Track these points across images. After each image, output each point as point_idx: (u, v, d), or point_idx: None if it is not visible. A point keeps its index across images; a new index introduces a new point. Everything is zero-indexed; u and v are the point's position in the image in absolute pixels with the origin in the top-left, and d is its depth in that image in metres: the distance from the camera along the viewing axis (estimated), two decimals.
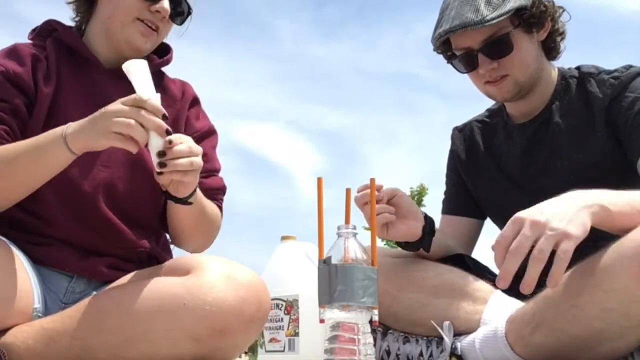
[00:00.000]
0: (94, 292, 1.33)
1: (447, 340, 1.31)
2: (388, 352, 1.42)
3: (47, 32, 1.45)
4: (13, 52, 1.37)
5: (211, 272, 1.15)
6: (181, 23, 1.49)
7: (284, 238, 2.06)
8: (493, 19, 1.41)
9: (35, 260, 1.31)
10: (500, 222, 1.71)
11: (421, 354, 1.35)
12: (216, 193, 1.52)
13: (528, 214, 1.06)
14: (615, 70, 1.50)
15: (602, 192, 1.12)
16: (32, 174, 1.22)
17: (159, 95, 1.19)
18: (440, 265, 1.46)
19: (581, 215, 1.05)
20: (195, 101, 1.57)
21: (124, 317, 1.13)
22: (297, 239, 2.10)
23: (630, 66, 1.49)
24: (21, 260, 1.25)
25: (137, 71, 1.22)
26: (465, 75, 1.57)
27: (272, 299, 1.78)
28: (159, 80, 1.51)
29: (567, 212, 1.05)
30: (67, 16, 1.50)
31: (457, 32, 1.45)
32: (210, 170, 1.51)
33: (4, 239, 1.27)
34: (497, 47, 1.47)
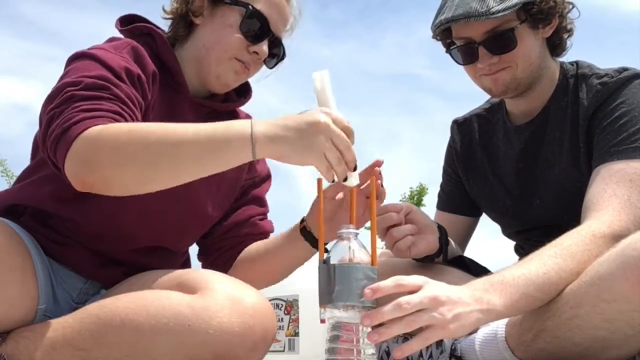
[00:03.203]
0: (104, 291, 1.34)
1: (447, 341, 1.31)
2: (388, 353, 1.42)
3: (140, 33, 1.37)
4: (138, 54, 1.29)
5: (218, 294, 1.12)
6: (273, 67, 1.44)
7: None
8: (499, 11, 1.35)
9: (53, 257, 1.30)
10: (495, 220, 1.71)
11: (421, 355, 1.35)
12: (268, 237, 1.52)
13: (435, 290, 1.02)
14: (606, 74, 1.43)
15: (501, 287, 1.07)
16: (199, 165, 1.11)
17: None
18: (440, 266, 1.46)
19: (470, 317, 1.02)
20: None
21: (127, 332, 1.12)
22: None
23: (624, 69, 1.43)
24: (32, 258, 1.24)
25: (326, 84, 1.13)
26: (465, 76, 1.53)
27: (272, 299, 1.78)
28: (233, 118, 1.44)
29: (464, 309, 1.01)
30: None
31: (461, 22, 1.39)
32: (264, 213, 1.54)
33: (19, 229, 1.26)
34: (500, 41, 1.40)
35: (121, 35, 1.38)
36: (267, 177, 1.57)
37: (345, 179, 1.11)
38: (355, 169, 1.11)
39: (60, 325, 1.17)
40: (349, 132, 1.09)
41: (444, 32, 1.48)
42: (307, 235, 1.35)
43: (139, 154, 1.08)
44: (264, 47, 1.35)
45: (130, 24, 1.40)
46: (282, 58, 1.44)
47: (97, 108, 1.12)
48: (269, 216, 1.57)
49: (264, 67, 1.43)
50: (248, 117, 1.53)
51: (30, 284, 1.22)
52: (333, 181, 1.10)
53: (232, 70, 1.36)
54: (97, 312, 1.16)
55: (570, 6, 1.49)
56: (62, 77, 1.22)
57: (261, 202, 1.54)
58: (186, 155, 1.09)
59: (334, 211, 1.31)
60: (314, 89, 1.13)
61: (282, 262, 1.43)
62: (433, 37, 1.52)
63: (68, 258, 1.31)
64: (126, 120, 1.14)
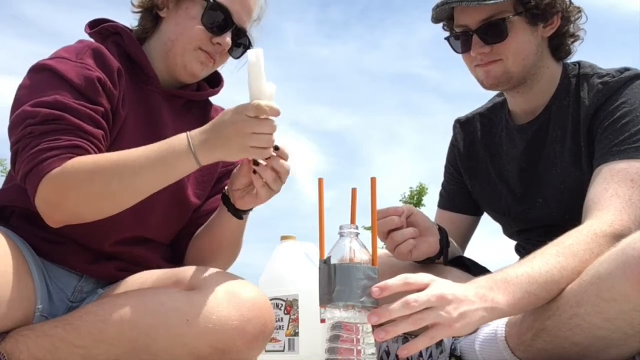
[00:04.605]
0: (101, 291, 1.34)
1: (447, 341, 1.31)
2: (388, 353, 1.42)
3: (108, 33, 1.42)
4: (99, 56, 1.33)
5: (217, 290, 1.15)
6: (238, 57, 1.48)
7: (284, 238, 2.06)
8: None
9: (45, 257, 1.31)
10: (496, 220, 1.71)
11: (421, 355, 1.35)
12: None
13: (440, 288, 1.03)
14: (608, 74, 1.43)
15: (505, 286, 1.07)
16: (155, 184, 1.22)
17: (274, 86, 1.21)
18: (440, 266, 1.46)
19: (475, 316, 1.02)
20: None
21: (127, 329, 1.13)
22: (297, 239, 2.10)
23: (626, 69, 1.43)
24: (26, 259, 1.25)
25: (257, 62, 1.20)
26: (466, 76, 1.54)
27: (272, 299, 1.78)
28: (206, 110, 1.53)
29: (469, 307, 1.02)
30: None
31: (454, 5, 1.42)
32: None
33: (9, 232, 1.27)
34: (492, 31, 1.42)
35: (90, 39, 1.42)
36: None
37: (277, 148, 1.21)
38: (276, 148, 1.21)
39: (60, 323, 1.18)
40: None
41: (448, 20, 1.50)
42: (226, 200, 1.35)
43: (101, 189, 1.18)
44: (227, 38, 1.40)
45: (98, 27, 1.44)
46: (247, 47, 1.47)
47: (56, 147, 1.19)
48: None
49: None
50: (221, 109, 1.56)
51: (27, 284, 1.22)
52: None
53: (198, 60, 1.40)
54: (96, 310, 1.18)
55: (578, 12, 1.49)
56: (21, 94, 1.26)
57: None
58: (143, 178, 1.20)
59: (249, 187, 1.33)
60: (249, 64, 1.21)
61: (217, 236, 1.43)
62: (432, 21, 1.53)
63: (60, 255, 1.31)
64: (87, 152, 1.21)
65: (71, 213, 1.21)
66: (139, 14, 1.46)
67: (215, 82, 1.55)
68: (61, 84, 1.24)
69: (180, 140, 1.19)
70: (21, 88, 1.28)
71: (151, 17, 1.44)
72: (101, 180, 1.17)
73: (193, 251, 1.47)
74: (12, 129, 1.24)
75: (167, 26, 1.42)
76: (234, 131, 1.16)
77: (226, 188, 1.37)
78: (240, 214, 1.34)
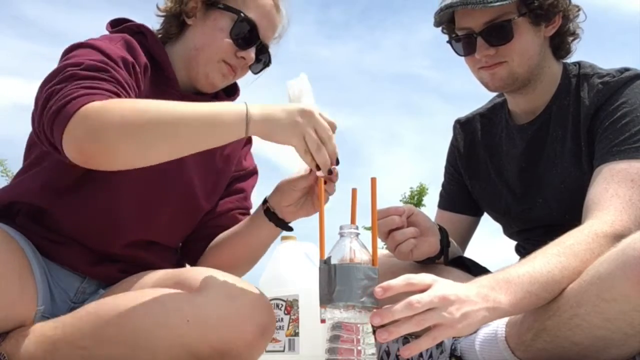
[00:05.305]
0: (102, 291, 1.33)
1: (447, 341, 1.31)
2: (388, 353, 1.42)
3: (131, 32, 1.41)
4: (131, 46, 1.32)
5: (217, 290, 1.15)
6: (257, 72, 1.49)
7: (284, 238, 2.06)
8: (496, 0, 1.36)
9: (48, 257, 1.30)
10: (496, 220, 1.71)
11: (421, 355, 1.35)
12: None
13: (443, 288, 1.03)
14: (608, 74, 1.43)
15: (506, 285, 1.07)
16: (195, 140, 1.15)
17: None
18: (440, 266, 1.46)
19: (477, 316, 1.02)
20: (248, 140, 1.58)
21: (127, 329, 1.13)
22: (297, 239, 2.10)
23: (626, 69, 1.43)
24: (28, 259, 1.24)
25: (306, 90, 1.20)
26: (466, 76, 1.54)
27: (272, 299, 1.78)
28: None
29: (472, 308, 1.02)
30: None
31: (458, 8, 1.41)
32: (247, 207, 1.55)
33: (12, 231, 1.26)
34: (498, 33, 1.41)
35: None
36: (254, 172, 1.60)
37: (331, 173, 1.18)
38: (337, 162, 1.18)
39: (60, 324, 1.18)
40: (332, 127, 1.16)
41: (448, 22, 1.49)
42: (271, 215, 1.36)
43: (142, 128, 1.10)
44: (251, 53, 1.41)
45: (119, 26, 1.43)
46: (268, 64, 1.49)
47: (98, 87, 1.14)
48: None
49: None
50: None
51: (28, 286, 1.22)
52: (314, 170, 1.18)
53: (220, 72, 1.40)
54: (96, 310, 1.17)
55: (577, 10, 1.50)
56: (60, 64, 1.23)
57: (244, 196, 1.55)
58: (186, 130, 1.12)
59: (301, 200, 1.34)
60: (289, 98, 1.20)
61: (248, 246, 1.43)
62: (434, 25, 1.52)
63: (63, 256, 1.31)
64: None
65: (104, 146, 1.10)
66: (162, 18, 1.45)
67: (231, 90, 1.55)
68: (101, 54, 1.23)
69: (237, 104, 1.15)
70: (58, 64, 1.24)
71: (177, 22, 1.43)
72: (143, 117, 1.10)
73: (213, 259, 1.45)
74: (46, 80, 1.18)
75: (193, 34, 1.41)
76: (300, 113, 1.13)
77: (268, 203, 1.37)
78: (289, 226, 1.37)
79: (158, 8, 1.45)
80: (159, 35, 1.44)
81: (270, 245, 1.44)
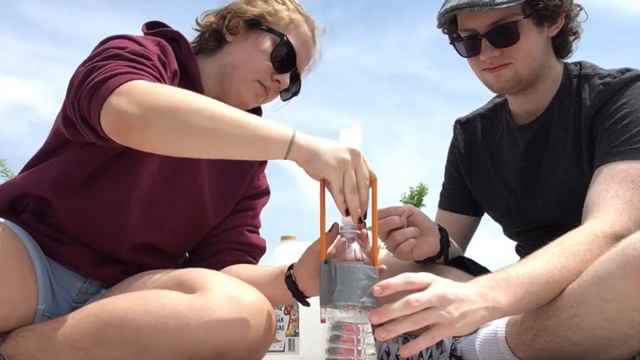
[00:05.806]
0: (104, 291, 1.33)
1: (447, 340, 1.31)
2: (388, 353, 1.42)
3: (166, 38, 1.38)
4: (164, 50, 1.31)
5: (218, 294, 1.13)
6: (285, 99, 1.50)
7: (284, 238, 2.07)
8: (503, 2, 1.35)
9: (51, 256, 1.30)
10: (496, 220, 1.71)
11: (421, 355, 1.35)
12: (255, 251, 1.50)
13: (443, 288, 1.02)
14: (609, 75, 1.43)
15: (506, 285, 1.07)
16: (232, 147, 1.11)
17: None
18: (440, 266, 1.46)
19: (476, 315, 1.02)
20: (263, 162, 1.57)
21: (127, 332, 1.12)
22: (297, 239, 2.10)
23: (627, 70, 1.43)
24: (30, 258, 1.24)
25: (357, 141, 1.14)
26: (466, 77, 1.54)
27: None
28: None
29: (470, 307, 1.01)
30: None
31: (465, 11, 1.39)
32: (256, 226, 1.53)
33: (16, 228, 1.26)
34: (503, 34, 1.40)
35: None
36: (266, 192, 1.58)
37: (360, 221, 1.10)
38: (365, 216, 1.11)
39: (60, 324, 1.17)
40: (371, 176, 1.11)
41: (450, 23, 1.49)
42: (291, 284, 1.26)
43: (186, 115, 1.07)
44: (286, 78, 1.41)
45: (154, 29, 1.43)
46: (297, 93, 1.49)
47: (143, 70, 1.14)
48: (262, 233, 1.55)
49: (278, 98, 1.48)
50: None
51: (30, 284, 1.22)
52: (343, 214, 1.10)
53: (253, 92, 1.40)
54: (96, 312, 1.17)
55: (578, 9, 1.49)
56: (97, 49, 1.23)
57: (254, 214, 1.53)
58: (228, 132, 1.08)
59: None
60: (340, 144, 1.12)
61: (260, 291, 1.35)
62: (438, 26, 1.52)
63: (67, 256, 1.31)
64: None
65: (146, 119, 1.07)
66: (200, 32, 1.44)
67: (255, 110, 1.52)
68: (141, 47, 1.23)
69: (283, 127, 1.10)
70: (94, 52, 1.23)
71: (216, 37, 1.42)
72: (191, 106, 1.08)
73: None
74: (87, 60, 1.18)
75: (232, 51, 1.41)
76: (347, 150, 1.09)
77: (292, 270, 1.26)
78: (306, 301, 1.28)
79: (197, 22, 1.45)
80: (194, 46, 1.44)
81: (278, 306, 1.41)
